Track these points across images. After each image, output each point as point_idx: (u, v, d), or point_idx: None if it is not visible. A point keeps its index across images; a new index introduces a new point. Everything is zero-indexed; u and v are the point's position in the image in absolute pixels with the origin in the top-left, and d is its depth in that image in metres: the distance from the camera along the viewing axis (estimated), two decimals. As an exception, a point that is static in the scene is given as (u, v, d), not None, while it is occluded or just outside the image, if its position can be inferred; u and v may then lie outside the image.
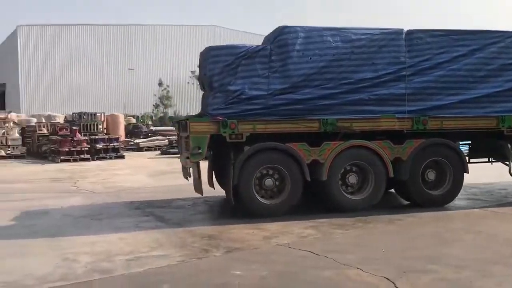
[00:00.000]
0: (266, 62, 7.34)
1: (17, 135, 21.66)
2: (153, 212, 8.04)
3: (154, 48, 46.51)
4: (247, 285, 4.47)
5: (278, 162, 7.25)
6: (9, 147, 20.78)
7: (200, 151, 7.03)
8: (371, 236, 6.26)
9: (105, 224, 7.15)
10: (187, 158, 7.37)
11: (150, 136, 27.14)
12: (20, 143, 21.41)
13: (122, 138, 25.65)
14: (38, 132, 22.10)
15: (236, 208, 7.40)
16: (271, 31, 7.91)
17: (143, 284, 4.58)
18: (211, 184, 8.57)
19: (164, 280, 4.61)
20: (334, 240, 6.03)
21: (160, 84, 44.84)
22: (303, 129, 7.36)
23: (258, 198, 7.23)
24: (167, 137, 25.82)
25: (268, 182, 7.25)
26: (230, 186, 7.10)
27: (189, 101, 47.79)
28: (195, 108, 46.60)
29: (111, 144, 19.72)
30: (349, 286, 4.43)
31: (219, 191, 10.00)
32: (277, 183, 7.32)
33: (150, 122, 37.87)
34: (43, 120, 24.17)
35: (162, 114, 43.82)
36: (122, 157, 19.57)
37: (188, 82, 46.01)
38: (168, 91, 44.96)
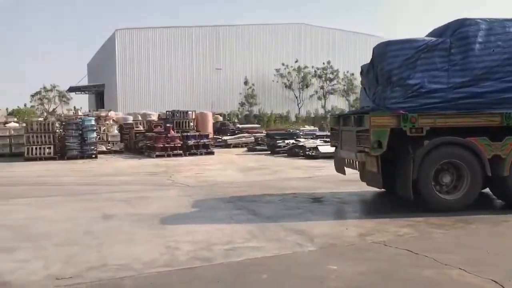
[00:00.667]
0: (446, 56, 7.29)
1: (116, 132, 23.22)
2: (245, 205, 8.26)
3: (241, 47, 47.58)
4: (344, 280, 4.47)
5: (457, 156, 7.14)
6: (109, 143, 22.34)
7: (380, 145, 7.05)
8: (473, 237, 5.95)
9: (202, 215, 7.48)
10: (360, 152, 7.43)
11: (237, 134, 27.79)
12: (118, 139, 22.94)
13: (211, 135, 26.55)
14: (135, 129, 23.56)
15: (415, 203, 7.27)
16: (446, 24, 7.79)
17: (243, 273, 4.74)
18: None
19: (262, 271, 4.74)
20: (433, 239, 5.81)
21: (246, 82, 45.81)
22: (484, 123, 7.19)
23: (438, 193, 7.15)
24: (253, 134, 26.32)
25: (446, 177, 7.18)
26: (408, 180, 7.00)
27: (273, 98, 48.36)
28: (279, 105, 47.21)
29: (201, 141, 20.49)
30: (451, 286, 4.26)
31: (307, 187, 10.09)
32: (454, 178, 7.21)
33: (236, 120, 38.79)
34: (139, 118, 25.68)
35: (247, 112, 44.74)
36: (212, 153, 20.27)
37: (273, 80, 46.54)
38: (253, 89, 45.79)
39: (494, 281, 4.26)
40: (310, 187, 10.24)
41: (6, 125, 22.05)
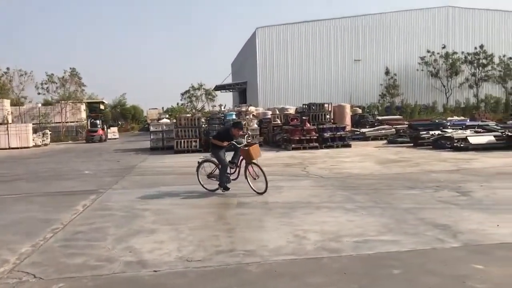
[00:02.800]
0: None
1: (255, 125, 23.95)
2: (381, 197, 7.77)
3: (381, 37, 45.71)
4: (491, 281, 3.85)
5: None
6: (249, 137, 23.15)
7: None
8: None
9: (334, 206, 7.20)
10: None
11: (376, 126, 26.70)
12: (258, 132, 23.63)
13: (349, 128, 25.93)
14: (272, 123, 24.06)
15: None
16: None
17: (372, 266, 4.38)
18: None
19: (394, 265, 4.33)
20: None
21: (387, 73, 43.84)
22: None
23: None
24: (394, 126, 25.03)
25: None
26: None
27: (417, 88, 45.54)
28: (424, 95, 44.32)
29: (337, 133, 20.10)
30: None
31: (453, 180, 9.15)
32: None
33: (376, 112, 37.37)
34: (277, 112, 26.18)
35: (388, 104, 42.78)
36: (348, 145, 19.75)
37: (417, 69, 43.78)
38: (395, 79, 43.61)
39: None
40: (457, 180, 9.27)
41: (159, 121, 24.27)
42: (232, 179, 8.85)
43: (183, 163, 15.57)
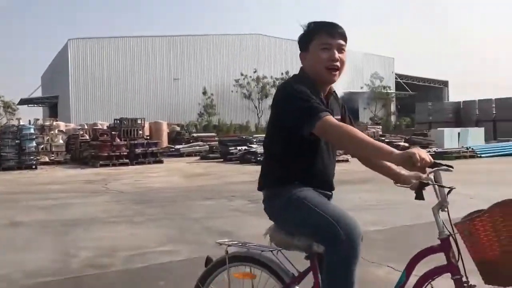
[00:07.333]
0: None
1: (61, 141, 21.94)
2: (175, 209, 7.59)
3: (199, 57, 46.95)
4: None
5: None
6: (53, 153, 21.08)
7: None
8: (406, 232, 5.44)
9: (121, 220, 6.71)
10: None
11: (191, 142, 26.96)
12: (63, 149, 21.69)
13: (165, 144, 25.63)
14: (80, 138, 22.34)
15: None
16: None
17: (138, 280, 4.03)
18: None
19: (162, 277, 4.05)
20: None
21: (204, 92, 45.04)
22: None
23: None
24: (208, 143, 25.57)
25: None
26: None
27: (233, 108, 47.81)
28: (239, 115, 46.65)
29: (150, 149, 19.56)
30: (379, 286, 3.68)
31: (248, 190, 9.47)
32: None
33: (194, 130, 37.95)
34: (86, 127, 24.52)
35: (206, 123, 43.94)
36: (161, 161, 19.37)
37: (232, 91, 46.01)
38: (212, 99, 45.08)
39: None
40: (251, 190, 9.61)
41: None
42: None
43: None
